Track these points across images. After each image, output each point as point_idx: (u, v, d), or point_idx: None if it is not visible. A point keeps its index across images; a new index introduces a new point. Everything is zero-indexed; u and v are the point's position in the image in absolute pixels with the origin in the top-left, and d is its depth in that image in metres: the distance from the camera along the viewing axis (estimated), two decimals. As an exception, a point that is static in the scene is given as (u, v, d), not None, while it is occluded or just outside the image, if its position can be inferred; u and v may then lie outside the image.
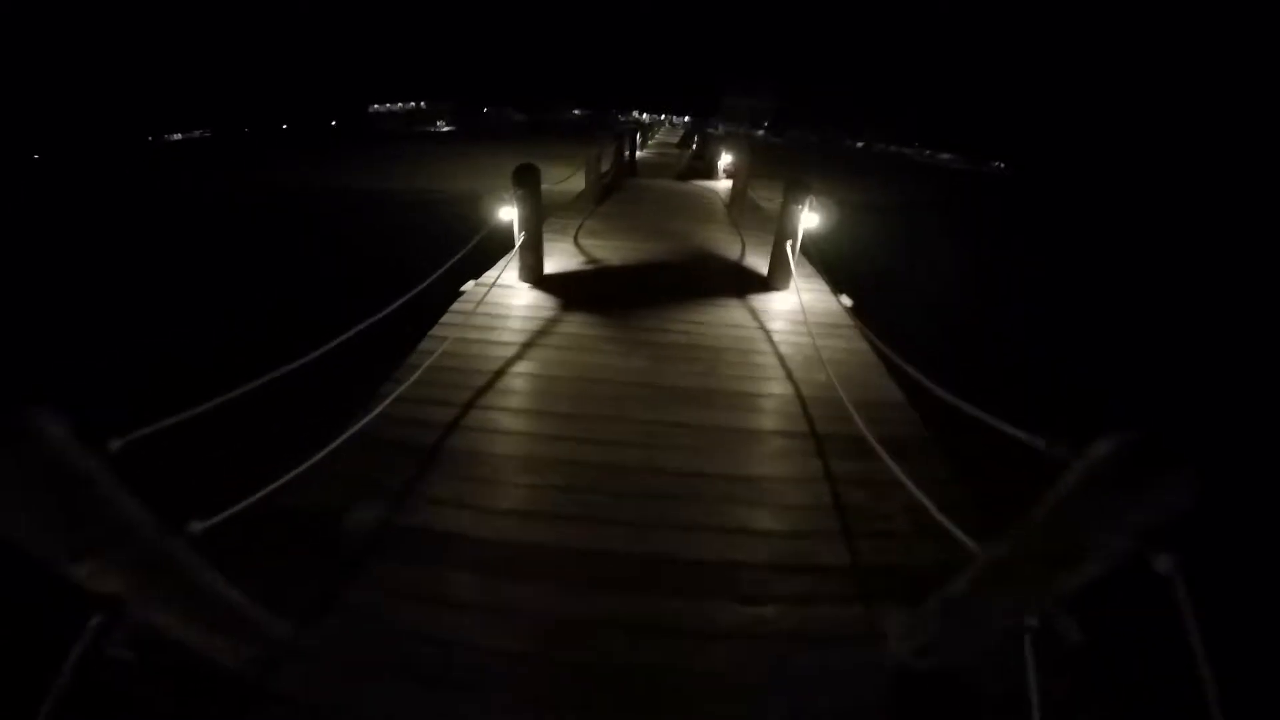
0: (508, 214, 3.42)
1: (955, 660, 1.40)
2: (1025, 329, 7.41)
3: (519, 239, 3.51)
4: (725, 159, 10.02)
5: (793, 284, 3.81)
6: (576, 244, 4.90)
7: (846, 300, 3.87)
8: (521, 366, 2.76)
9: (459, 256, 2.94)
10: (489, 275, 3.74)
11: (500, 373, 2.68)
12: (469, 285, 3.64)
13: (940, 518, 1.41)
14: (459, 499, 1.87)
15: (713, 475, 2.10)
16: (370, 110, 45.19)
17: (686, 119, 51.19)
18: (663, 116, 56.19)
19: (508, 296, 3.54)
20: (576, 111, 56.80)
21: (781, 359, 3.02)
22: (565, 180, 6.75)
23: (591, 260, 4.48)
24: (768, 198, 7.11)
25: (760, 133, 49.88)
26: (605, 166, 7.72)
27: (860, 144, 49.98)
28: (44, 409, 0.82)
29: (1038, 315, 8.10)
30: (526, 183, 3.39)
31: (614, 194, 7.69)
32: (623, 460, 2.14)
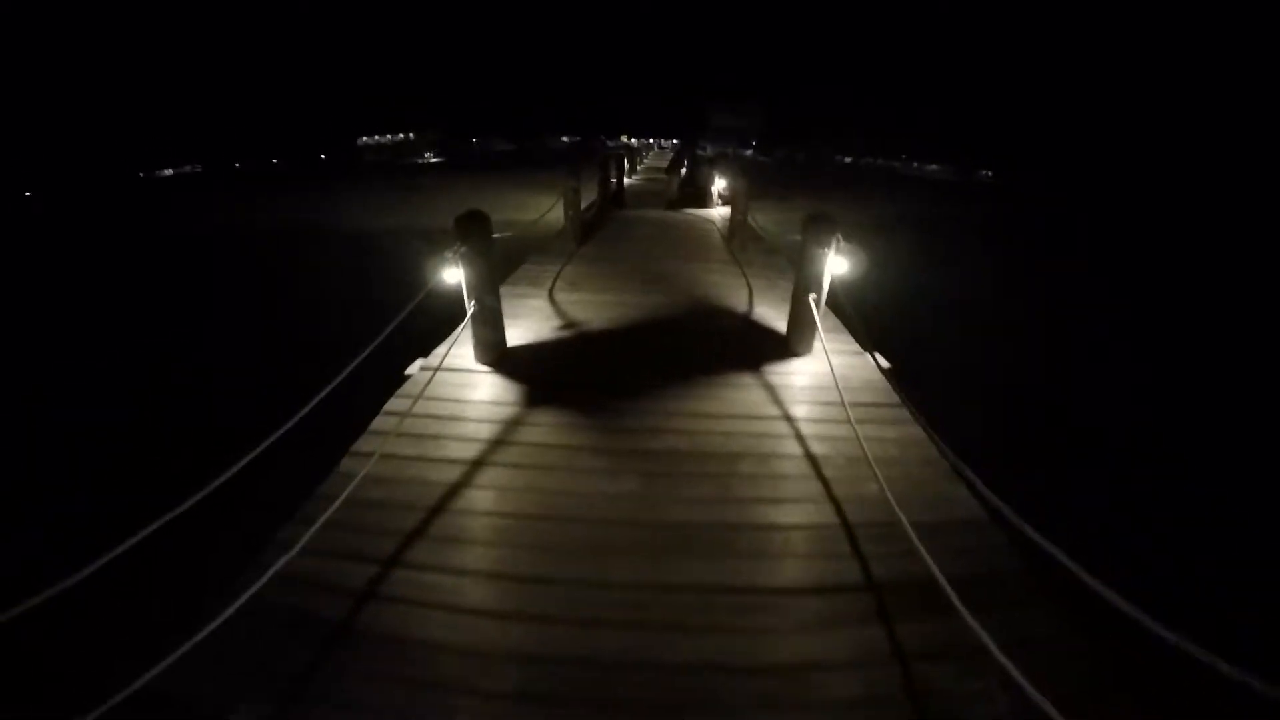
0: (454, 276, 2.62)
1: None
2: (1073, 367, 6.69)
3: (470, 308, 2.77)
4: (719, 183, 9.46)
5: (818, 346, 3.10)
6: (552, 300, 4.17)
7: (882, 361, 3.15)
8: (470, 499, 2.02)
9: (381, 340, 2.13)
10: (438, 353, 3.01)
11: (440, 510, 1.96)
12: (415, 367, 2.91)
13: None
14: (378, 709, 1.34)
15: (735, 669, 1.45)
16: (359, 143, 45.29)
17: (674, 141, 51.23)
18: (650, 140, 56.30)
19: (458, 387, 2.77)
20: (564, 139, 56.98)
21: (815, 464, 2.28)
22: (548, 211, 6.11)
23: (569, 324, 3.72)
24: (763, 228, 6.45)
25: (749, 152, 49.87)
26: (589, 200, 7.07)
27: (848, 159, 49.94)
28: None
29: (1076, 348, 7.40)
30: (473, 237, 2.61)
31: (598, 230, 7.03)
32: (608, 652, 1.48)
